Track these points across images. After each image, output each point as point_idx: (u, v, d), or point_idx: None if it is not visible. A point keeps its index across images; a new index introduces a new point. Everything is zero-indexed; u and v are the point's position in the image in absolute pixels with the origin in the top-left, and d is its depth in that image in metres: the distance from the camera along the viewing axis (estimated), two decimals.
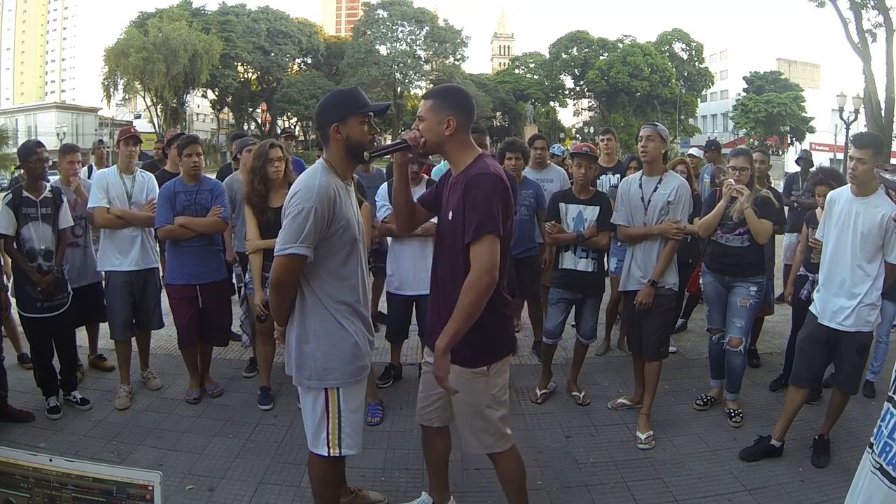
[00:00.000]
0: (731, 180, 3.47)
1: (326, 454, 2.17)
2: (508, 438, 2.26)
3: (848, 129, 21.18)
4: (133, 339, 4.00)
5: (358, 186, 3.84)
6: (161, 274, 4.25)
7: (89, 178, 4.20)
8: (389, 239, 3.85)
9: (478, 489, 2.77)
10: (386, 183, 3.93)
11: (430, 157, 4.28)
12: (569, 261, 3.68)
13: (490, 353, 2.16)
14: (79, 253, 3.96)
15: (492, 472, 2.79)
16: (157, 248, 4.10)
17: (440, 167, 4.33)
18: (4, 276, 3.95)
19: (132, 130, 4.05)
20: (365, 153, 2.16)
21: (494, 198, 1.99)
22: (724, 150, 6.64)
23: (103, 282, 4.03)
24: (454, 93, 2.18)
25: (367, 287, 2.27)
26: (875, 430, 1.44)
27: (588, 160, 3.64)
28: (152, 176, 4.04)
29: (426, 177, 3.72)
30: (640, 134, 3.44)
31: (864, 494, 1.42)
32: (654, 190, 3.37)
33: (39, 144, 3.69)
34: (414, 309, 3.90)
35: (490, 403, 2.17)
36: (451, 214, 2.11)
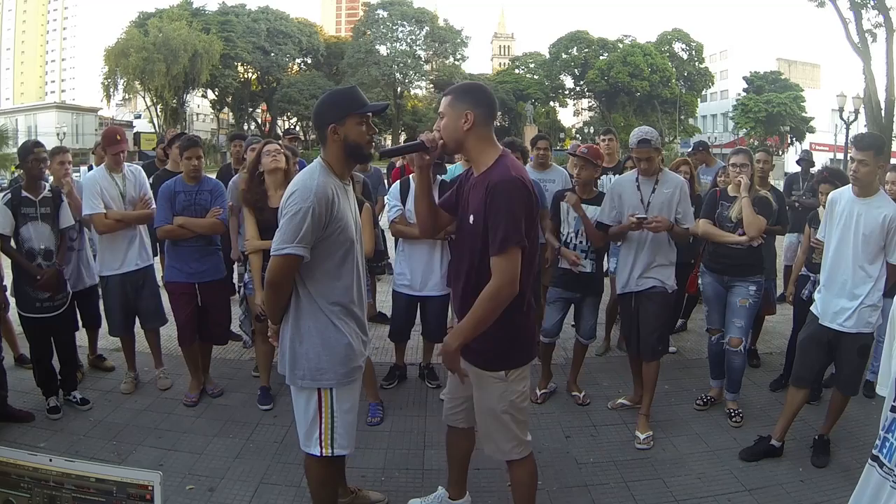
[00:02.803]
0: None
1: (319, 454, 2.17)
2: (527, 445, 2.24)
3: (848, 129, 21.18)
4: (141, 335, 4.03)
5: (363, 187, 3.83)
6: (161, 273, 4.26)
7: None
8: (400, 239, 3.84)
9: (478, 489, 2.77)
10: (398, 182, 3.91)
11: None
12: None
13: (510, 358, 2.13)
14: (73, 257, 3.94)
15: (492, 472, 2.80)
16: (154, 245, 4.10)
17: (452, 168, 4.32)
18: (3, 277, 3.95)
19: (119, 137, 3.89)
20: (377, 152, 2.13)
21: (518, 206, 1.95)
22: (724, 150, 6.65)
23: (99, 285, 4.02)
24: (473, 88, 2.15)
25: (363, 287, 2.26)
26: (878, 443, 1.40)
27: (583, 162, 3.64)
28: (140, 168, 4.03)
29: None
30: (635, 155, 3.36)
31: None
32: (653, 191, 3.37)
33: (38, 145, 3.67)
34: (419, 310, 3.90)
35: (507, 409, 2.14)
36: (472, 218, 2.08)
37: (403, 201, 3.70)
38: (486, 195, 1.99)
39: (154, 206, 3.85)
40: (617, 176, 4.76)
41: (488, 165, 2.06)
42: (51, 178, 3.93)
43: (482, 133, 2.07)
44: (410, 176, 3.81)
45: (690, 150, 6.36)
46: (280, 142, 3.98)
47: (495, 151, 2.08)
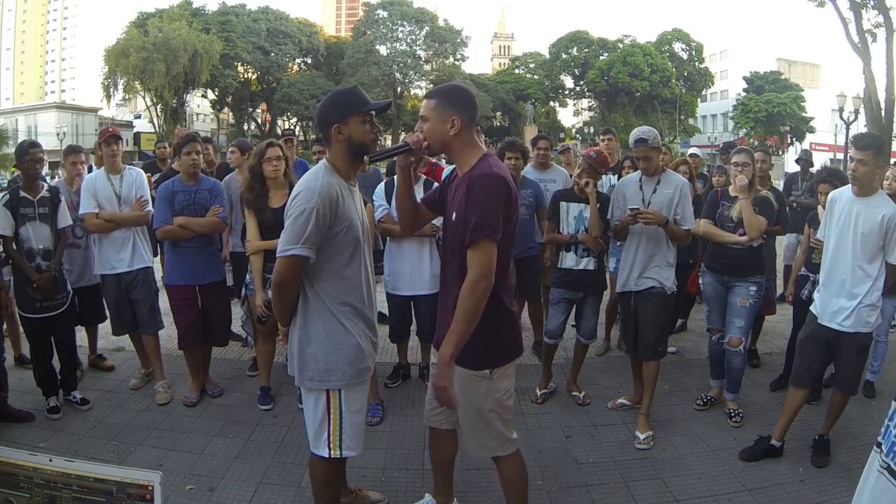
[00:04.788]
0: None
1: (327, 455, 2.17)
2: (513, 442, 2.24)
3: (848, 129, 21.16)
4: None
5: None
6: (160, 274, 4.25)
7: None
8: (388, 239, 3.86)
9: (477, 489, 2.77)
10: (383, 183, 3.93)
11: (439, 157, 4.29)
12: (570, 260, 3.68)
13: (493, 356, 2.13)
14: (79, 254, 3.98)
15: (491, 472, 2.79)
16: (151, 248, 4.09)
17: (452, 168, 4.33)
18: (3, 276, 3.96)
19: (111, 129, 3.98)
20: (365, 157, 2.14)
21: (494, 200, 1.96)
22: None
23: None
24: (458, 91, 2.15)
25: (371, 288, 2.26)
26: (882, 430, 1.43)
27: (586, 165, 3.64)
28: (141, 171, 4.03)
29: (423, 177, 3.73)
30: (634, 153, 3.42)
31: (870, 495, 1.41)
32: (654, 191, 3.37)
33: (34, 145, 3.68)
34: (412, 309, 3.90)
35: (493, 408, 2.14)
36: (454, 216, 2.09)
37: (389, 201, 3.72)
38: (466, 191, 2.00)
39: (150, 208, 3.84)
40: (615, 176, 4.78)
41: (471, 165, 2.07)
42: (55, 178, 3.94)
43: (467, 136, 2.08)
44: (394, 177, 3.84)
45: (720, 149, 6.39)
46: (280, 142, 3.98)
47: (479, 152, 2.10)
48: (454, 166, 2.18)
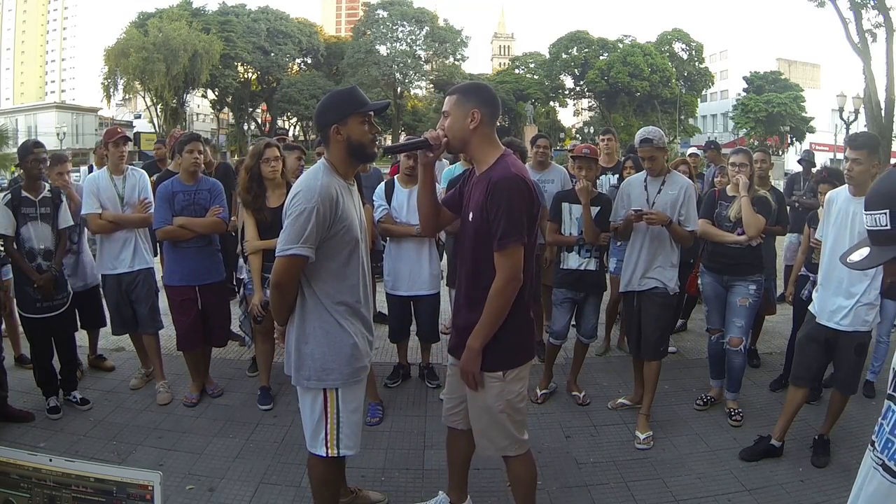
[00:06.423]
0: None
1: (325, 454, 2.17)
2: (523, 443, 2.24)
3: (848, 129, 21.21)
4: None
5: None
6: (160, 275, 4.24)
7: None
8: (388, 239, 3.86)
9: (478, 489, 2.77)
10: (383, 183, 3.94)
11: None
12: (573, 261, 3.68)
13: (507, 358, 2.14)
14: (73, 259, 3.97)
15: (492, 472, 2.81)
16: (153, 248, 4.08)
17: (451, 169, 4.34)
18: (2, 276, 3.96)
19: (120, 131, 3.95)
20: (381, 149, 2.14)
21: (517, 204, 1.99)
22: (724, 151, 6.66)
23: (100, 285, 4.03)
24: (479, 88, 2.17)
25: (368, 288, 2.26)
26: (876, 428, 1.44)
27: (586, 163, 3.64)
28: (144, 173, 4.01)
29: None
30: (639, 153, 3.44)
31: (865, 490, 1.42)
32: (659, 192, 3.38)
33: (37, 145, 3.68)
34: (412, 309, 3.91)
35: (504, 409, 2.15)
36: (471, 215, 2.10)
37: (388, 201, 3.74)
38: (486, 192, 2.02)
39: (153, 210, 3.83)
40: (615, 176, 4.78)
41: (490, 164, 2.08)
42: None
43: (486, 132, 2.10)
44: (395, 177, 3.85)
45: (703, 147, 6.42)
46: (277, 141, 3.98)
47: (497, 150, 2.11)
48: (455, 165, 2.19)
